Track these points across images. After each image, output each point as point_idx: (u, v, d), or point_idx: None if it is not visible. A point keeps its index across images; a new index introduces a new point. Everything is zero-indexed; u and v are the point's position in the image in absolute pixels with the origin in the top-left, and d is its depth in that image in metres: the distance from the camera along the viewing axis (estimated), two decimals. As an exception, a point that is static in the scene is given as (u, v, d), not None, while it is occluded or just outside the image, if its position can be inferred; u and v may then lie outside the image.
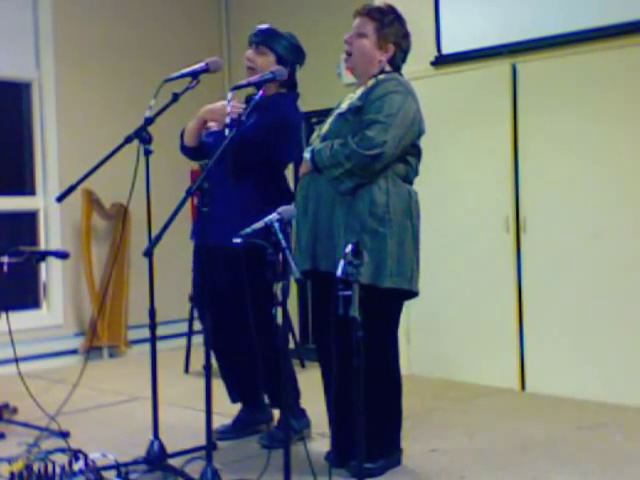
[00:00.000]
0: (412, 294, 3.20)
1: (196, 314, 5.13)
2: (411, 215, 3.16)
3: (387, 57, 3.24)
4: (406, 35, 3.29)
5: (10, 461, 3.05)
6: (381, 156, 3.03)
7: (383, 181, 3.10)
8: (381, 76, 3.20)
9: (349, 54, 3.26)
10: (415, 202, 3.21)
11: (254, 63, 3.62)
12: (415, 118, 3.15)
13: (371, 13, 3.24)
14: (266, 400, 3.75)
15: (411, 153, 3.20)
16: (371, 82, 3.19)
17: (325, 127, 3.25)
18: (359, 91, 3.22)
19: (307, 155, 3.19)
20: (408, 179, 3.21)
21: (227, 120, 3.19)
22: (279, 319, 3.19)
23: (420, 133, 3.21)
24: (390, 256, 3.06)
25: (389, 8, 3.29)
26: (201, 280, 3.60)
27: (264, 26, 3.69)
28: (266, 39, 3.63)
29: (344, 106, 3.23)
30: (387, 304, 3.14)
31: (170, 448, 3.28)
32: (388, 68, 3.26)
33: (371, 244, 3.03)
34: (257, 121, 3.48)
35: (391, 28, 3.23)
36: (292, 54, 3.65)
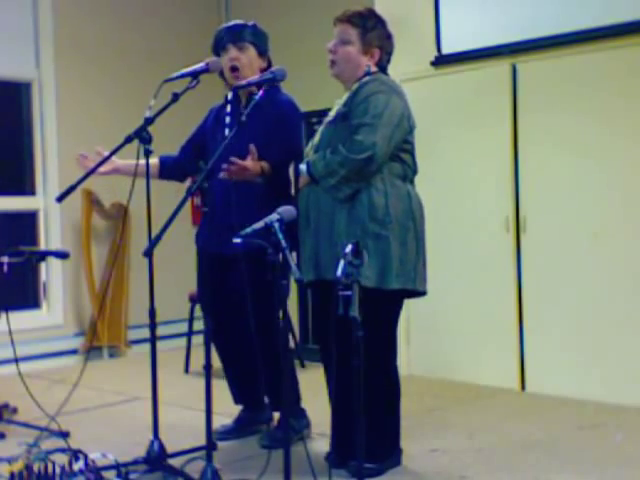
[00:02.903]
0: (418, 293, 3.19)
1: (195, 315, 5.18)
2: (413, 215, 3.15)
3: (373, 62, 3.22)
4: (389, 37, 3.28)
5: (10, 461, 3.04)
6: (373, 158, 3.01)
7: (380, 183, 3.09)
8: (365, 78, 3.18)
9: (334, 63, 3.23)
10: (417, 202, 3.20)
11: (239, 61, 3.55)
12: (402, 115, 3.12)
13: (352, 19, 3.20)
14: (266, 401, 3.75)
15: (404, 150, 3.18)
16: (355, 86, 3.17)
17: (317, 137, 3.25)
18: (344, 96, 3.21)
19: (303, 168, 3.19)
20: (407, 177, 3.20)
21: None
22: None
23: (410, 129, 3.19)
24: (394, 257, 3.05)
25: (369, 12, 3.25)
26: (212, 286, 3.57)
27: (231, 23, 3.66)
28: (243, 34, 3.57)
29: (332, 114, 3.24)
30: (391, 305, 3.15)
31: (170, 448, 3.28)
32: (373, 69, 3.24)
33: (375, 248, 3.03)
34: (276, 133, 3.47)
35: (374, 32, 3.21)
36: (264, 41, 3.64)
